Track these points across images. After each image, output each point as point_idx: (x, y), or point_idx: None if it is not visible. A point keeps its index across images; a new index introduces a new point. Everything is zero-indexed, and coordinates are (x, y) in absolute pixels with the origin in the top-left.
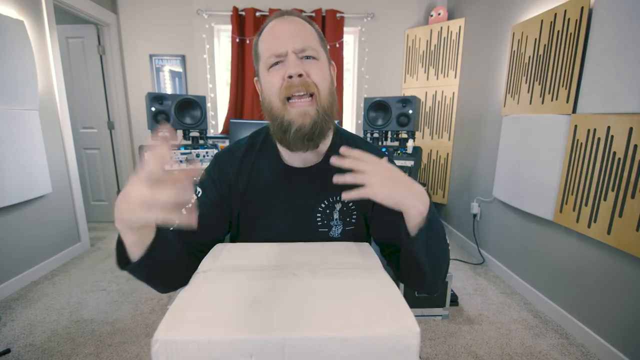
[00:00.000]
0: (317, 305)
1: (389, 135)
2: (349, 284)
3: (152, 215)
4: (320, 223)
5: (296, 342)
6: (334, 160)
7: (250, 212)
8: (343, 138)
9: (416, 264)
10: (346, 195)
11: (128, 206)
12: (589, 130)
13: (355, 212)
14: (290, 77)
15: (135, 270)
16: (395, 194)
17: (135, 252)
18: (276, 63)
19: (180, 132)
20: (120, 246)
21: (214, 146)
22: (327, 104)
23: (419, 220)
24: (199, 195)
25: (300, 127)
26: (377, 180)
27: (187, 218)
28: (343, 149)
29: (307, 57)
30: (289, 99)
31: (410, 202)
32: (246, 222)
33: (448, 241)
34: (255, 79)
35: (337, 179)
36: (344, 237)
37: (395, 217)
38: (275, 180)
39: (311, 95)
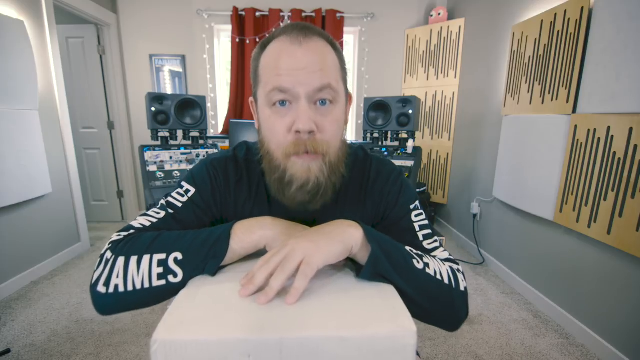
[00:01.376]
0: (315, 305)
1: (389, 135)
2: (346, 284)
3: None
4: None
5: (294, 342)
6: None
7: None
8: (353, 162)
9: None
10: (290, 301)
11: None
12: (589, 130)
13: None
14: (299, 131)
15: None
16: (330, 249)
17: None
18: (282, 102)
19: (180, 132)
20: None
21: (214, 146)
22: (335, 160)
23: (362, 244)
24: (191, 194)
25: (302, 185)
26: (301, 253)
27: None
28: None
29: (323, 102)
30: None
31: (344, 240)
32: None
33: (443, 240)
34: (251, 99)
35: (260, 300)
36: None
37: (395, 234)
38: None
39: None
